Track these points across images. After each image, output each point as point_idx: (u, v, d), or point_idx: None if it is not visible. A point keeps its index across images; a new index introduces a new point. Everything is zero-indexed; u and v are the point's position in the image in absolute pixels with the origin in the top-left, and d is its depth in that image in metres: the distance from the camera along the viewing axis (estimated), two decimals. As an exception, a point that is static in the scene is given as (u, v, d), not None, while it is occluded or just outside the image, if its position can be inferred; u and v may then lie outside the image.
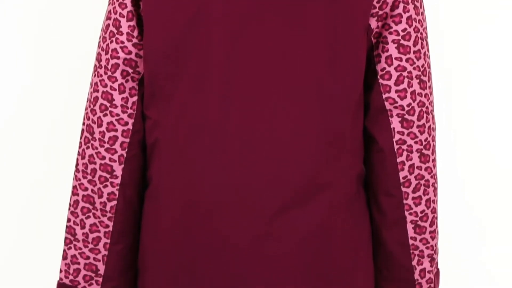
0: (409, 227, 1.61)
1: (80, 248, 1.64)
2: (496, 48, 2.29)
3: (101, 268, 1.64)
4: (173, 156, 1.56)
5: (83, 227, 1.64)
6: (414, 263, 1.62)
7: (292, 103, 1.52)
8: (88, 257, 1.64)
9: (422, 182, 1.61)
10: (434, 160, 1.62)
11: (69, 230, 1.65)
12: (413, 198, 1.60)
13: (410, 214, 1.60)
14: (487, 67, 2.30)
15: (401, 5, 1.56)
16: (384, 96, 1.58)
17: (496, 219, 2.34)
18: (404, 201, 1.60)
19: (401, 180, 1.60)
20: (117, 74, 1.59)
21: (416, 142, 1.59)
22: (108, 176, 1.61)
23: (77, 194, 1.64)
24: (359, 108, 1.60)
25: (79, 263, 1.64)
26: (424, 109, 1.59)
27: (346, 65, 1.53)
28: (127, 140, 1.62)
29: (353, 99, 1.56)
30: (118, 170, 1.62)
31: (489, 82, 2.30)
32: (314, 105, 1.53)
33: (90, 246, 1.63)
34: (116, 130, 1.60)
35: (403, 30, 1.56)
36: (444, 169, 2.19)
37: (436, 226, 1.65)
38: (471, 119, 2.32)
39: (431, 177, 1.62)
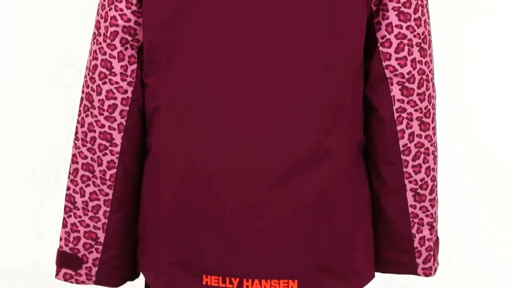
0: (409, 195, 1.61)
1: (80, 216, 1.64)
2: (496, 41, 2.29)
3: (101, 236, 1.64)
4: (173, 124, 1.56)
5: (82, 195, 1.64)
6: (413, 231, 1.62)
7: (292, 71, 1.52)
8: (88, 225, 1.64)
9: (422, 150, 1.61)
10: (434, 128, 1.62)
11: (69, 198, 1.65)
12: (413, 166, 1.60)
13: (410, 182, 1.61)
14: (488, 59, 2.30)
15: None
16: (384, 64, 1.58)
17: (493, 190, 2.35)
18: (404, 169, 1.60)
19: (401, 148, 1.59)
20: (116, 42, 1.59)
21: (416, 110, 1.59)
22: (107, 144, 1.61)
23: (77, 163, 1.64)
24: (359, 76, 1.59)
25: (79, 231, 1.65)
26: (424, 77, 1.59)
27: (346, 32, 1.53)
28: (127, 108, 1.61)
29: (353, 67, 1.56)
30: (118, 138, 1.61)
31: (489, 69, 2.31)
32: (314, 72, 1.52)
33: (90, 214, 1.63)
34: (115, 98, 1.60)
35: None
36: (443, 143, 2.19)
37: (436, 194, 1.65)
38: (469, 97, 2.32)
39: (431, 145, 1.62)
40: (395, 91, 1.58)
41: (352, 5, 1.52)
